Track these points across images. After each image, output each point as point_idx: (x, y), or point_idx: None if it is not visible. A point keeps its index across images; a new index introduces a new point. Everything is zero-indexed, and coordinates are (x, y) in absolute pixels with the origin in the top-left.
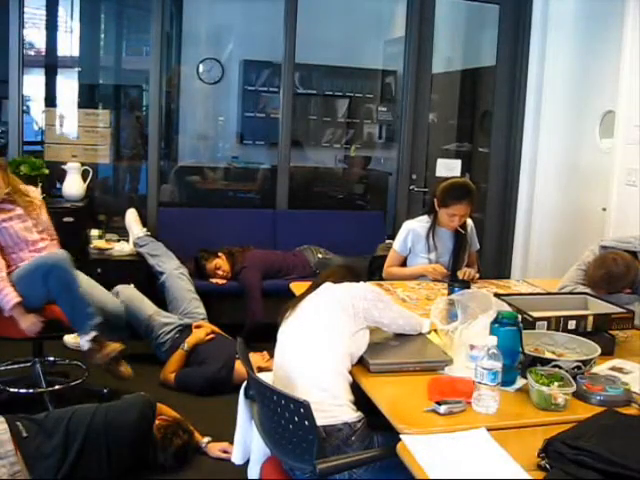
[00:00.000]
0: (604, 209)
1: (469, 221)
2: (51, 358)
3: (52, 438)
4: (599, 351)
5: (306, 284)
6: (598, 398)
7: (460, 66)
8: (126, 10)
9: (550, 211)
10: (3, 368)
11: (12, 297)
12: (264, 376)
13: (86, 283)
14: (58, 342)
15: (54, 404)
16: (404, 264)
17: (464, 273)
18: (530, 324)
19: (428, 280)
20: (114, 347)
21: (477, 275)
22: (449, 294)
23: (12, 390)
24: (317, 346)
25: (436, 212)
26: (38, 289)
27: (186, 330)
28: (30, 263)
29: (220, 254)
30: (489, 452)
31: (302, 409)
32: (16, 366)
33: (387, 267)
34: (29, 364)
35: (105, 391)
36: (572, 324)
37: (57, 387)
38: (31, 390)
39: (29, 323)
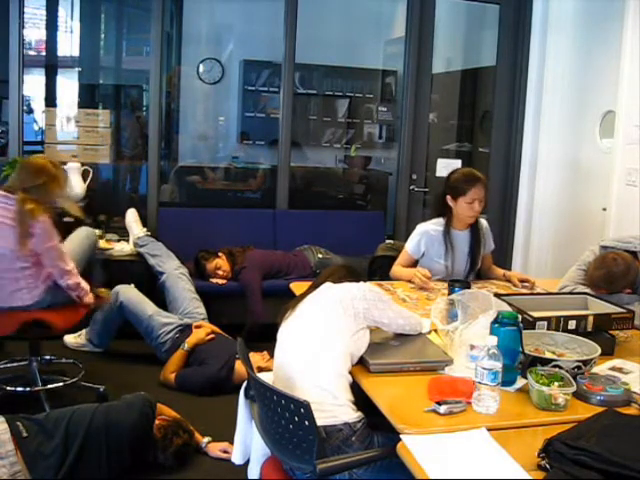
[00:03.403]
0: (604, 209)
1: (484, 222)
2: (47, 357)
3: (52, 438)
4: (599, 351)
5: (306, 284)
6: (598, 398)
7: (460, 66)
8: (126, 10)
9: (550, 211)
10: (0, 366)
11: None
12: (264, 376)
13: None
14: (54, 342)
15: (50, 403)
16: (414, 265)
17: (519, 279)
18: (530, 324)
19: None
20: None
21: (533, 280)
22: (449, 294)
23: (8, 388)
24: (317, 346)
25: (449, 211)
26: None
27: (186, 330)
28: None
29: (220, 254)
30: (489, 452)
31: (302, 409)
32: (12, 364)
33: (395, 265)
34: (25, 363)
35: (101, 389)
36: (572, 324)
37: (53, 386)
38: (27, 388)
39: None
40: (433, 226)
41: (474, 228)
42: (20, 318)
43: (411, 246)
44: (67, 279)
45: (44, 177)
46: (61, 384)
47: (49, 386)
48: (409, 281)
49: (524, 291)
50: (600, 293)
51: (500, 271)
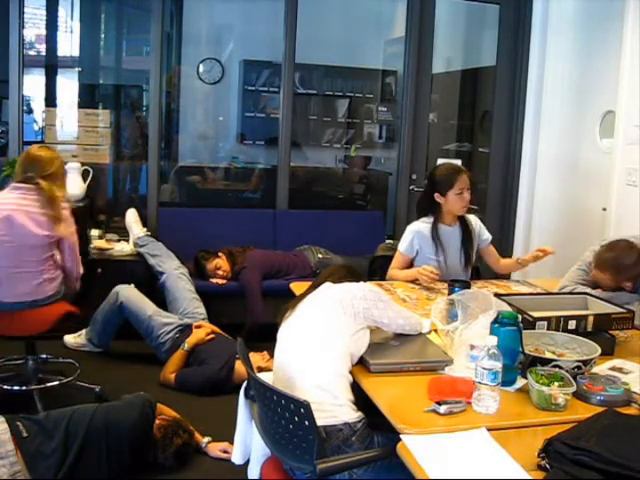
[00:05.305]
0: (604, 209)
1: (471, 216)
2: (43, 355)
3: (52, 438)
4: (599, 351)
5: (306, 284)
6: (598, 398)
7: (460, 66)
8: (126, 10)
9: (550, 211)
10: None
11: None
12: (264, 376)
13: None
14: (53, 341)
15: (45, 402)
16: (410, 265)
17: (535, 255)
18: (530, 324)
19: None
20: None
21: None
22: (449, 294)
23: (4, 387)
24: (317, 346)
25: (438, 209)
26: None
27: (186, 330)
28: None
29: (220, 254)
30: (489, 452)
31: (302, 409)
32: (9, 363)
33: (391, 269)
34: (22, 361)
35: (97, 389)
36: (572, 324)
37: (49, 385)
38: (23, 387)
39: None
40: (424, 224)
41: (463, 222)
42: (53, 313)
43: (404, 246)
44: (79, 268)
45: (57, 163)
46: (56, 383)
47: (44, 385)
48: (412, 281)
49: (525, 290)
50: (603, 280)
51: (512, 260)
